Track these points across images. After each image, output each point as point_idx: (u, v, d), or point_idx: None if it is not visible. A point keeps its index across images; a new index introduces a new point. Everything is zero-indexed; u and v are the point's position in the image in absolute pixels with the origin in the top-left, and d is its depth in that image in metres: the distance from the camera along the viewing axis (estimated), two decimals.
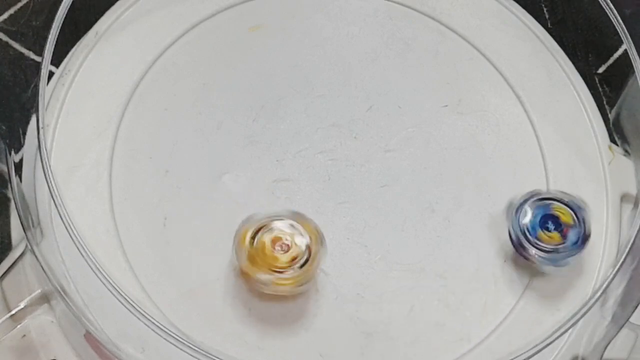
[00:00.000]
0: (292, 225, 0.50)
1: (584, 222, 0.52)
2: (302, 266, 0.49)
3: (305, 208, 0.53)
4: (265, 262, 0.49)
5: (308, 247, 0.49)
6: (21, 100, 0.58)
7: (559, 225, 0.52)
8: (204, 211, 0.53)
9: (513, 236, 0.52)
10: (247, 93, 0.56)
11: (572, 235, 0.51)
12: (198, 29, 0.58)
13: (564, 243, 0.51)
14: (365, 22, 0.60)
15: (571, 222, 0.51)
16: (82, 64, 0.56)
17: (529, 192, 0.53)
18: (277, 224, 0.49)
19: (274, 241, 0.49)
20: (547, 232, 0.51)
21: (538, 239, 0.51)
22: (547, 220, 0.52)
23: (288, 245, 0.49)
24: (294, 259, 0.49)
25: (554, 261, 0.52)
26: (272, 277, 0.48)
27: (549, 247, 0.51)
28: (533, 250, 0.51)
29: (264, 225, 0.49)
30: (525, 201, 0.52)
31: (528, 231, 0.51)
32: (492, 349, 0.51)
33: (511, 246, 0.53)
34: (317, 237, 0.50)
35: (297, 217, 0.50)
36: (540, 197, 0.52)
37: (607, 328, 0.51)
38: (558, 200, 0.52)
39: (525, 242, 0.51)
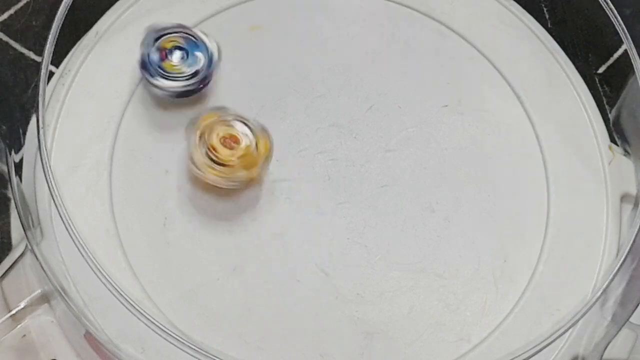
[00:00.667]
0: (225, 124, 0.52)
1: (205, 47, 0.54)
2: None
3: (305, 208, 0.53)
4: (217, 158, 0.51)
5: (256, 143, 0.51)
6: (21, 100, 0.58)
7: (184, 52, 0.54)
8: (204, 211, 0.53)
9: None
10: (247, 93, 0.56)
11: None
12: (198, 29, 0.58)
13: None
14: (365, 22, 0.60)
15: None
16: (82, 64, 0.56)
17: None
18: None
19: (223, 141, 0.51)
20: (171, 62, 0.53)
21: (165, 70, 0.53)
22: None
23: (237, 139, 0.51)
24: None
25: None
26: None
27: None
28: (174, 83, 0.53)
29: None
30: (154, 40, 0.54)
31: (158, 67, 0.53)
32: (492, 349, 0.51)
33: (511, 246, 0.53)
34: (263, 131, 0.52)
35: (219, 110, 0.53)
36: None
37: (607, 328, 0.51)
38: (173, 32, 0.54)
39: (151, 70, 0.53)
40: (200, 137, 0.51)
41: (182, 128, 0.54)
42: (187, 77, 0.53)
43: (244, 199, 0.53)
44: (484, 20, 0.61)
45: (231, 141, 0.51)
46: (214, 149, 0.50)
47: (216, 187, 0.52)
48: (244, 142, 0.51)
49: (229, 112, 0.52)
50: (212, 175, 0.51)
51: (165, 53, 0.53)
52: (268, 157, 0.52)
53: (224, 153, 0.51)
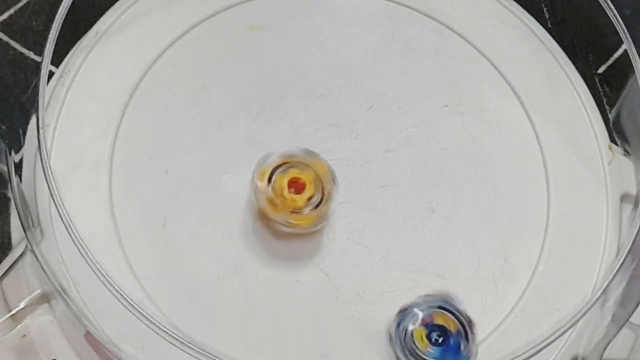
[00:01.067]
0: (306, 165, 0.50)
1: (460, 313, 0.48)
2: (316, 206, 0.50)
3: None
4: (284, 204, 0.50)
5: (322, 187, 0.50)
6: (21, 100, 0.58)
7: (444, 333, 0.48)
8: (204, 211, 0.53)
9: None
10: (247, 93, 0.56)
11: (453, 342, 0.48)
12: (198, 29, 0.58)
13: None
14: (365, 22, 0.60)
15: (457, 328, 0.48)
16: (82, 64, 0.56)
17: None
18: (292, 165, 0.50)
19: (290, 183, 0.50)
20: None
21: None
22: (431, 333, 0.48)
23: (303, 185, 0.50)
24: (309, 198, 0.50)
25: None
26: (290, 218, 0.50)
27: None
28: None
29: (279, 166, 0.50)
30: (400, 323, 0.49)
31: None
32: (492, 349, 0.51)
33: (511, 246, 0.53)
34: (329, 176, 0.51)
35: (309, 156, 0.51)
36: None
37: (607, 328, 0.51)
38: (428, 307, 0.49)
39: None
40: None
41: (182, 128, 0.54)
42: None
43: (244, 198, 0.53)
44: (484, 20, 0.61)
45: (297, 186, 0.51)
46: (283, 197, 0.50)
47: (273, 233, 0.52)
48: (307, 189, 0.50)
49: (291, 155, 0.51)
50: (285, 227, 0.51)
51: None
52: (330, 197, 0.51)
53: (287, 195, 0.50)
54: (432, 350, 0.47)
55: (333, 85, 0.57)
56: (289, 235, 0.52)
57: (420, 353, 0.47)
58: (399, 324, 0.48)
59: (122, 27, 0.58)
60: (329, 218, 0.52)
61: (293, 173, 0.50)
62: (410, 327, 0.48)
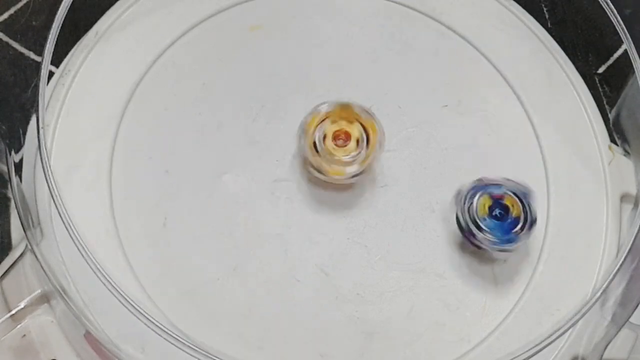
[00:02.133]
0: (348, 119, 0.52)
1: (529, 208, 0.51)
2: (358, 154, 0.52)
3: (305, 208, 0.53)
4: (327, 152, 0.51)
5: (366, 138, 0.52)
6: (21, 100, 0.58)
7: (506, 212, 0.51)
8: (204, 211, 0.53)
9: (462, 223, 0.52)
10: (247, 93, 0.56)
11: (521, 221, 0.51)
12: (198, 29, 0.58)
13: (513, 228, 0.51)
14: (365, 22, 0.60)
15: (520, 213, 0.51)
16: (82, 64, 0.56)
17: (476, 180, 0.52)
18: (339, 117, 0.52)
19: (335, 135, 0.52)
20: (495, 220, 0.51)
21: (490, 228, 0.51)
22: (495, 208, 0.52)
23: (348, 135, 0.52)
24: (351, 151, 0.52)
25: (502, 244, 0.51)
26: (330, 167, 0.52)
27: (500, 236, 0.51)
28: (480, 236, 0.51)
29: (327, 117, 0.52)
30: (474, 189, 0.52)
31: (477, 219, 0.51)
32: (492, 349, 0.51)
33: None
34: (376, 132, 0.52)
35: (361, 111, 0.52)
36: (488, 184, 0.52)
37: (607, 328, 0.51)
38: (505, 188, 0.52)
39: (475, 229, 0.51)
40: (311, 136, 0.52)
41: (182, 128, 0.54)
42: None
43: (244, 198, 0.53)
44: (484, 20, 0.61)
45: (342, 138, 0.52)
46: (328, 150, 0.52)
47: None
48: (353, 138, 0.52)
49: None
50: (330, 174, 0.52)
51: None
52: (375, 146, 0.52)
53: (337, 152, 0.52)
54: (486, 218, 0.51)
55: (333, 85, 0.57)
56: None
57: (475, 216, 0.51)
58: (473, 188, 0.52)
59: (122, 27, 0.58)
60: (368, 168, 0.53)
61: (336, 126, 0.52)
62: (479, 194, 0.51)
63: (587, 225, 0.55)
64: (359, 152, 0.52)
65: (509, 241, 0.51)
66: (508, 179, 0.52)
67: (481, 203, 0.51)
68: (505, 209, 0.51)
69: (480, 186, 0.52)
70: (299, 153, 0.54)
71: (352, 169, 0.52)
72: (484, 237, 0.51)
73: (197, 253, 0.52)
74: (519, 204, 0.51)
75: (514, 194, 0.51)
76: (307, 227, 0.53)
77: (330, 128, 0.52)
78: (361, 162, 0.52)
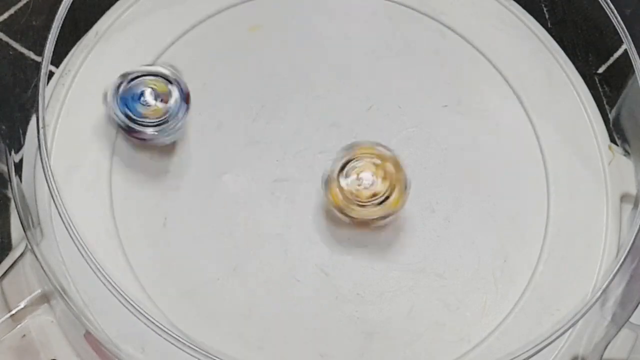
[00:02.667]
0: (375, 164, 0.51)
1: (178, 84, 0.51)
2: (381, 203, 0.51)
3: (305, 208, 0.53)
4: (351, 195, 0.51)
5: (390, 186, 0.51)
6: (21, 100, 0.58)
7: (157, 96, 0.51)
8: (204, 211, 0.53)
9: (122, 124, 0.51)
10: (247, 93, 0.56)
11: (172, 101, 0.51)
12: (198, 29, 0.58)
13: (168, 110, 0.51)
14: (365, 22, 0.60)
15: (166, 89, 0.51)
16: (82, 64, 0.56)
17: (120, 75, 0.52)
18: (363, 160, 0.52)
19: (359, 178, 0.51)
20: (148, 106, 0.51)
21: (145, 117, 0.51)
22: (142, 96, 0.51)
23: (373, 181, 0.51)
24: (374, 195, 0.51)
25: (168, 131, 0.51)
26: (357, 209, 0.51)
27: (158, 119, 0.51)
28: (149, 130, 0.51)
29: (352, 160, 0.51)
30: (119, 85, 0.51)
31: (132, 113, 0.51)
32: (492, 349, 0.51)
33: (511, 246, 0.53)
34: (402, 181, 0.52)
35: (382, 151, 0.52)
36: (131, 77, 0.51)
37: (607, 328, 0.51)
38: (148, 74, 0.51)
39: (135, 125, 0.51)
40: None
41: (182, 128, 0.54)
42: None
43: (244, 198, 0.53)
44: (484, 20, 0.61)
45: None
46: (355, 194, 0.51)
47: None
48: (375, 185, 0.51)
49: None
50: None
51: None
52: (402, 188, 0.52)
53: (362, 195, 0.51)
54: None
55: (333, 85, 0.57)
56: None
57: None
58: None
59: (122, 27, 0.58)
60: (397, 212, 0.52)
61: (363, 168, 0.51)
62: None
63: (587, 225, 0.55)
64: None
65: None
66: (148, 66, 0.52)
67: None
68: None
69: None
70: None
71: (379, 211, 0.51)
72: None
73: (197, 253, 0.52)
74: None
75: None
76: (307, 227, 0.53)
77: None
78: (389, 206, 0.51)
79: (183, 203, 0.53)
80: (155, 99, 0.51)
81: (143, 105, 0.51)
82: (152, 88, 0.51)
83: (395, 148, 0.55)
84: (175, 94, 0.51)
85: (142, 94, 0.51)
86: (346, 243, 0.53)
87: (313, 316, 0.51)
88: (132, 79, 0.51)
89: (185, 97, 0.51)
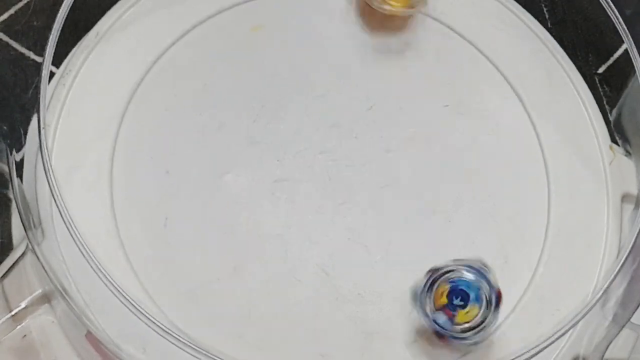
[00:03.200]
0: None
1: (488, 282, 0.48)
2: None
3: (306, 208, 0.53)
4: None
5: None
6: (22, 100, 0.58)
7: (467, 296, 0.47)
8: (204, 211, 0.53)
9: (431, 328, 0.48)
10: (248, 93, 0.56)
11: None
12: (199, 29, 0.58)
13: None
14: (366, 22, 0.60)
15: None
16: (83, 65, 0.56)
17: (426, 273, 0.49)
18: None
19: None
20: (461, 309, 0.47)
21: (458, 324, 0.47)
22: (455, 296, 0.47)
23: None
24: None
25: (484, 332, 0.48)
26: None
27: (473, 324, 0.47)
28: (461, 336, 0.48)
29: None
30: (426, 286, 0.48)
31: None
32: (492, 349, 0.51)
33: (512, 247, 0.53)
34: None
35: None
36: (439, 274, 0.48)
37: (608, 328, 0.51)
38: (456, 271, 0.48)
39: (447, 332, 0.47)
40: None
41: (182, 128, 0.55)
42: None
43: (245, 198, 0.53)
44: (484, 20, 0.61)
45: None
46: None
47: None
48: None
49: None
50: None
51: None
52: None
53: None
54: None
55: (333, 85, 0.57)
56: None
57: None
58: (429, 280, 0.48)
59: (122, 27, 0.58)
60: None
61: None
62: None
63: (588, 225, 0.55)
64: None
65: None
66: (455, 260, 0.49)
67: (437, 293, 0.47)
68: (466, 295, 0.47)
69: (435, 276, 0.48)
70: None
71: None
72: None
73: (197, 253, 0.52)
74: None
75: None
76: (307, 227, 0.53)
77: None
78: None
79: (184, 203, 0.53)
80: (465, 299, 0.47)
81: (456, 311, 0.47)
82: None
83: (395, 148, 0.56)
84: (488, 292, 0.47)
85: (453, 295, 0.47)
86: (346, 243, 0.53)
87: (313, 316, 0.51)
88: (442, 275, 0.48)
89: (498, 298, 0.47)
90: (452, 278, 0.47)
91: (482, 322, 0.47)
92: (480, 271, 0.48)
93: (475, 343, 0.48)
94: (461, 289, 0.47)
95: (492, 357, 0.51)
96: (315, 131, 0.56)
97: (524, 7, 0.62)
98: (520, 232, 0.55)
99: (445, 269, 0.48)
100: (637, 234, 0.51)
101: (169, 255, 0.51)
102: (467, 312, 0.47)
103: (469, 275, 0.47)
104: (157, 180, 0.53)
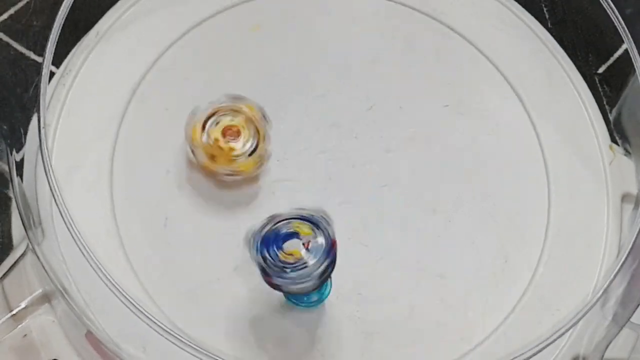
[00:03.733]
0: (234, 110, 0.51)
1: (325, 230, 0.46)
2: (255, 149, 0.51)
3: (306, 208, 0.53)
4: (222, 155, 0.51)
5: (256, 129, 0.51)
6: (22, 100, 0.58)
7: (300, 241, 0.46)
8: (204, 211, 0.53)
9: (260, 270, 0.46)
10: (248, 93, 0.56)
11: (315, 246, 0.46)
12: (198, 29, 0.58)
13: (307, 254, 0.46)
14: (365, 22, 0.60)
15: (310, 232, 0.46)
16: (83, 64, 0.56)
17: (266, 219, 0.47)
18: (222, 114, 0.51)
19: (225, 132, 0.51)
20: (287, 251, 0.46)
21: (280, 261, 0.45)
22: (285, 239, 0.46)
23: (238, 131, 0.51)
24: (245, 143, 0.51)
25: (304, 278, 0.46)
26: (232, 167, 0.51)
27: (295, 264, 0.45)
28: (284, 275, 0.46)
29: (210, 117, 0.51)
30: (263, 227, 0.46)
31: (269, 257, 0.46)
32: (493, 349, 0.51)
33: (512, 246, 0.53)
34: (261, 117, 0.52)
35: (237, 100, 0.52)
36: (278, 219, 0.46)
37: (608, 328, 0.51)
38: (294, 218, 0.47)
39: (271, 269, 0.46)
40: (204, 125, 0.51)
41: (182, 128, 0.54)
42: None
43: (245, 198, 0.53)
44: (484, 20, 0.61)
45: (232, 134, 0.51)
46: (216, 140, 0.51)
47: (217, 183, 0.53)
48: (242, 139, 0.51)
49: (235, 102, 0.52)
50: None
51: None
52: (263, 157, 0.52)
53: (224, 146, 0.51)
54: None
55: (333, 85, 0.58)
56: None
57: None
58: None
59: (122, 27, 0.58)
60: (268, 158, 0.52)
61: (225, 122, 0.51)
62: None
63: (588, 225, 0.55)
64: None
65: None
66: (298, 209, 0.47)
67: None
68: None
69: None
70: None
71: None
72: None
73: (197, 253, 0.52)
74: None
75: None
76: None
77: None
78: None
79: (183, 203, 0.53)
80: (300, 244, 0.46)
81: (281, 249, 0.46)
82: (295, 232, 0.46)
83: (395, 148, 0.56)
84: (320, 241, 0.46)
85: (284, 237, 0.46)
86: (347, 243, 0.53)
87: (313, 316, 0.51)
88: (280, 221, 0.46)
89: (329, 249, 0.46)
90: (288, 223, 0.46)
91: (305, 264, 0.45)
92: (319, 221, 0.46)
93: (294, 282, 0.46)
94: (292, 232, 0.46)
95: (492, 356, 0.51)
96: (315, 131, 0.56)
97: (524, 7, 0.62)
98: (520, 232, 0.55)
99: (284, 217, 0.46)
100: (637, 234, 0.51)
101: (169, 255, 0.51)
102: (292, 254, 0.45)
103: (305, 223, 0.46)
104: (157, 180, 0.53)
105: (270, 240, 0.46)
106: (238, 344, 0.50)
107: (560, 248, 0.54)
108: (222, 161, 0.51)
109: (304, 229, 0.46)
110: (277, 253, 0.45)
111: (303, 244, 0.45)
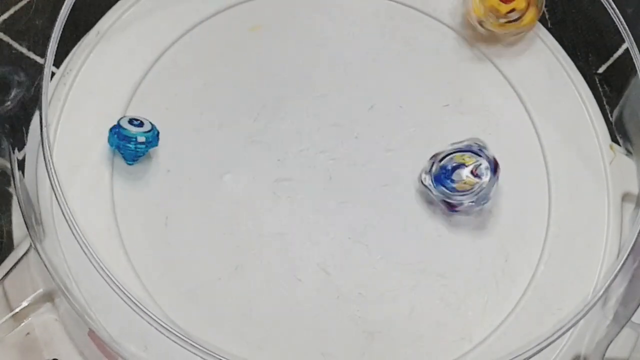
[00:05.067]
0: None
1: (485, 154, 0.53)
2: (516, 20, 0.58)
3: (307, 207, 0.53)
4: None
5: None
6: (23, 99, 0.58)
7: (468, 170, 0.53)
8: (205, 211, 0.53)
9: (442, 204, 0.54)
10: (248, 93, 0.56)
11: (482, 169, 0.53)
12: (199, 29, 0.58)
13: (479, 179, 0.52)
14: (366, 21, 0.60)
15: (474, 160, 0.53)
16: (83, 64, 0.56)
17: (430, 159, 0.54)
18: None
19: None
20: (461, 182, 0.53)
21: (459, 191, 0.53)
22: (454, 171, 0.53)
23: None
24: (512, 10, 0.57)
25: (483, 198, 0.53)
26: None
27: (472, 190, 0.53)
28: (465, 201, 0.53)
29: None
30: (430, 169, 0.54)
31: (448, 191, 0.53)
32: (493, 349, 0.51)
33: (512, 246, 0.54)
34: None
35: None
36: (440, 156, 0.54)
37: (609, 327, 0.51)
38: (454, 152, 0.54)
39: (454, 200, 0.53)
40: None
41: (183, 128, 0.55)
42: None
43: (246, 198, 0.53)
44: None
45: None
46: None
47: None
48: None
49: None
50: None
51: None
52: None
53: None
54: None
55: (334, 85, 0.58)
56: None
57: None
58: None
59: (123, 27, 0.58)
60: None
61: None
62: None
63: (588, 224, 0.55)
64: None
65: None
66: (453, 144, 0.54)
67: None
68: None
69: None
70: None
71: None
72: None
73: (198, 252, 0.52)
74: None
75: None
76: (308, 227, 0.53)
77: None
78: None
79: (184, 203, 0.53)
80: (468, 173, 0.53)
81: (455, 181, 0.53)
82: (461, 163, 0.53)
83: (396, 148, 0.56)
84: (485, 164, 0.53)
85: (453, 170, 0.53)
86: (347, 243, 0.53)
87: (314, 316, 0.51)
88: (442, 158, 0.53)
89: (494, 167, 0.53)
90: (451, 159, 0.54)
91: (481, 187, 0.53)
92: (475, 149, 0.54)
93: (477, 204, 0.53)
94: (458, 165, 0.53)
95: (493, 356, 0.51)
96: (315, 131, 0.56)
97: None
98: (520, 232, 0.55)
99: (445, 153, 0.54)
100: (638, 233, 0.51)
101: (170, 254, 0.51)
102: (465, 182, 0.53)
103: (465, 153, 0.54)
104: (158, 179, 0.53)
105: (441, 177, 0.53)
106: (239, 343, 0.50)
107: (561, 248, 0.54)
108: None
109: (466, 158, 0.53)
110: (454, 186, 0.52)
111: (471, 172, 0.53)
